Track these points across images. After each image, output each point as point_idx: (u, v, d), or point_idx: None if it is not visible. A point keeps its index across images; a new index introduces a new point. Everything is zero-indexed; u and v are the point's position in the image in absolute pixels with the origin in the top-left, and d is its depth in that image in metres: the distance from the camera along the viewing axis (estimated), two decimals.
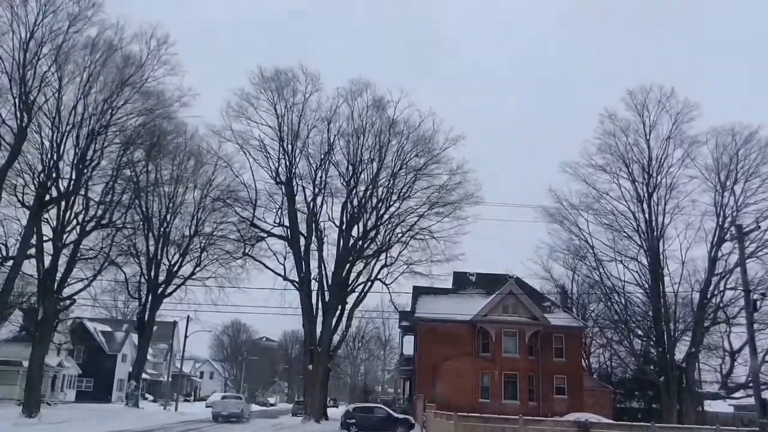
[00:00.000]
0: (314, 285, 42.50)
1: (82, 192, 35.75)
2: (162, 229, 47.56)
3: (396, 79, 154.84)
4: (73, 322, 55.15)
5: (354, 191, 43.38)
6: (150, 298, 47.67)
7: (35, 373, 33.68)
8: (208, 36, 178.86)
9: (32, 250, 33.98)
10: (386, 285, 43.44)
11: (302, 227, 42.93)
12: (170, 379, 59.18)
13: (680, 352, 40.87)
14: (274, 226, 43.24)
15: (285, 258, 42.83)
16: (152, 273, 47.43)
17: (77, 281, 36.83)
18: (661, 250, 40.81)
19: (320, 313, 42.21)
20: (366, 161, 43.42)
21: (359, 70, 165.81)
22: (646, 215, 41.47)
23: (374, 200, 43.64)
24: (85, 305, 44.67)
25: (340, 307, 43.01)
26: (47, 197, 34.30)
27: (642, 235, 41.48)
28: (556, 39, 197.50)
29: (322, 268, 42.70)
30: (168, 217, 47.66)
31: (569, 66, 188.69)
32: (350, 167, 43.45)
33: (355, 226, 43.48)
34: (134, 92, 36.37)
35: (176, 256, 48.40)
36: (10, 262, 33.42)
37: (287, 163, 43.01)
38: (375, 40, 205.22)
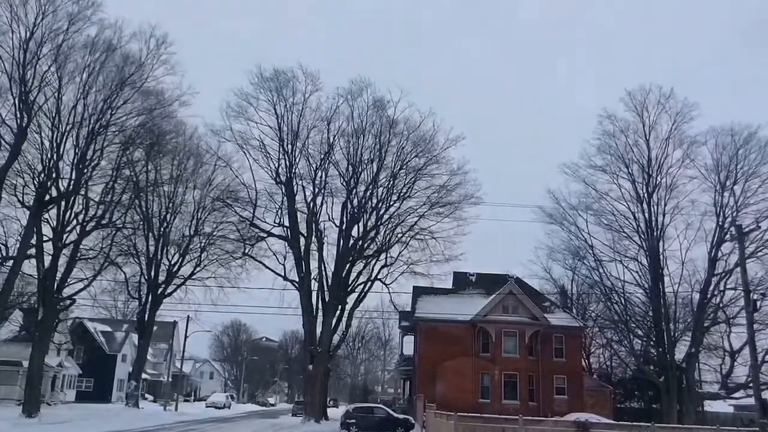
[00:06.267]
0: (314, 285, 42.53)
1: (82, 192, 35.76)
2: (162, 229, 47.56)
3: (395, 77, 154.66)
4: (73, 322, 55.16)
5: (354, 191, 43.33)
6: (150, 298, 47.69)
7: (35, 373, 33.70)
8: (207, 35, 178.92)
9: (32, 250, 34.00)
10: (386, 285, 43.54)
11: (302, 227, 42.89)
12: (170, 379, 59.22)
13: (680, 352, 40.81)
14: (274, 226, 43.26)
15: (285, 258, 42.86)
16: (152, 273, 47.44)
17: (77, 281, 36.92)
18: (661, 251, 40.75)
19: (320, 313, 42.22)
20: (366, 161, 43.38)
21: (358, 70, 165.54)
22: (646, 215, 41.41)
23: (374, 200, 43.63)
24: (85, 305, 44.80)
25: (340, 307, 43.01)
26: (47, 197, 34.30)
27: (642, 236, 41.41)
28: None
29: (322, 268, 42.72)
30: (168, 217, 47.69)
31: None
32: (350, 167, 43.40)
33: (355, 226, 43.44)
34: (134, 92, 36.41)
35: (176, 256, 48.47)
36: (10, 262, 33.41)
37: (287, 163, 42.99)
38: (374, 34, 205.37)
